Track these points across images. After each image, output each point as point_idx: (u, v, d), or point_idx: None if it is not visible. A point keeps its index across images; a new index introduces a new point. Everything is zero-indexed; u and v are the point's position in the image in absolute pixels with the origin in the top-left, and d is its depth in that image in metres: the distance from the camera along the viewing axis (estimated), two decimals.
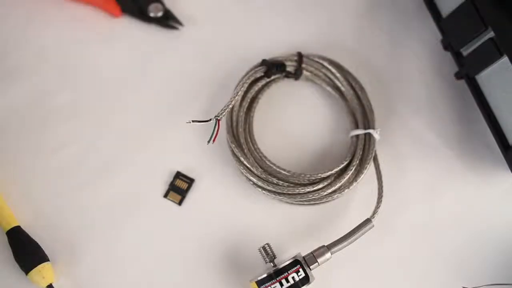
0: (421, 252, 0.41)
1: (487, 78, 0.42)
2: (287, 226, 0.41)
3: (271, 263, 0.37)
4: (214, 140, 0.36)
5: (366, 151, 0.42)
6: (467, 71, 0.43)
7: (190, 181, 0.41)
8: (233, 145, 0.41)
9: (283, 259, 0.38)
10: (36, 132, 0.42)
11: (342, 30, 0.48)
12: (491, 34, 0.39)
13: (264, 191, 0.40)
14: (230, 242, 0.40)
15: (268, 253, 0.37)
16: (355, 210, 0.42)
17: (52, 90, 0.44)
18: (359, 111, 0.44)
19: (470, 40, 0.42)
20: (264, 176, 0.40)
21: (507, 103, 0.40)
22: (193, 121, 0.35)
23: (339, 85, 0.44)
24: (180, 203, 0.41)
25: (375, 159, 0.42)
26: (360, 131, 0.42)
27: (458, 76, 0.45)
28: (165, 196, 0.41)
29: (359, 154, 0.42)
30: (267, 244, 0.38)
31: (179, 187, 0.41)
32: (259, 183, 0.40)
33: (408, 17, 0.49)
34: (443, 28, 0.46)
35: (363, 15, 0.49)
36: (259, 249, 0.38)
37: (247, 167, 0.40)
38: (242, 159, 0.40)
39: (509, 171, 0.41)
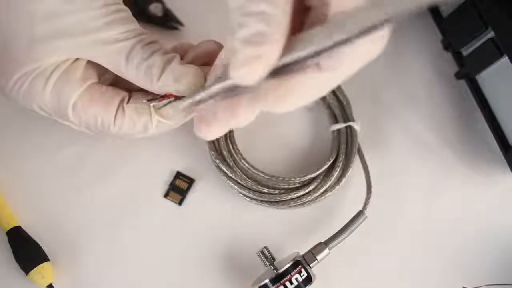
0: (421, 252, 0.41)
1: (487, 78, 0.42)
2: (283, 227, 0.41)
3: (271, 266, 0.37)
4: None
5: (350, 144, 0.42)
6: (467, 71, 0.43)
7: (190, 181, 0.41)
8: (218, 161, 0.40)
9: (282, 260, 0.38)
10: (36, 132, 0.42)
11: None
12: (491, 34, 0.39)
13: (257, 202, 0.40)
14: (230, 242, 0.40)
15: (267, 256, 0.37)
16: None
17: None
18: (335, 104, 0.43)
19: (470, 40, 0.42)
20: (254, 187, 0.40)
21: (507, 103, 0.40)
22: (148, 100, 0.34)
23: None
24: (180, 203, 0.41)
25: (359, 151, 0.42)
26: (340, 125, 0.42)
27: (458, 76, 0.45)
28: (165, 196, 0.41)
29: (343, 149, 0.42)
30: (265, 247, 0.38)
31: (179, 187, 0.41)
32: (250, 195, 0.40)
33: (408, 17, 0.49)
34: (443, 28, 0.46)
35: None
36: (257, 253, 0.37)
37: (235, 180, 0.40)
38: (228, 173, 0.40)
39: (509, 171, 0.41)
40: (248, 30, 0.25)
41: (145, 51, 0.32)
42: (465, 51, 0.43)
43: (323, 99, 0.44)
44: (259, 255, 0.37)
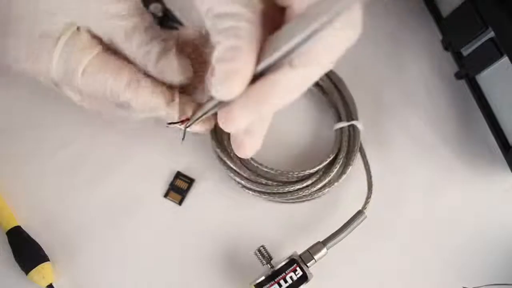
0: (421, 252, 0.41)
1: (487, 78, 0.42)
2: (283, 226, 0.41)
3: (268, 265, 0.37)
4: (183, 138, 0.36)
5: (352, 143, 0.42)
6: (467, 71, 0.43)
7: (190, 181, 0.41)
8: (218, 150, 0.40)
9: (280, 259, 0.38)
10: (36, 132, 0.42)
11: None
12: (491, 34, 0.39)
13: (254, 193, 0.40)
14: (230, 242, 0.40)
15: (264, 255, 0.37)
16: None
17: (55, 90, 0.43)
18: (340, 103, 0.44)
19: (470, 40, 0.42)
20: (253, 178, 0.40)
21: (507, 103, 0.40)
22: (168, 123, 0.35)
23: (320, 81, 0.44)
24: (180, 203, 0.41)
25: (362, 150, 0.42)
26: (343, 124, 0.43)
27: (458, 76, 0.45)
28: (165, 196, 0.41)
29: (345, 147, 0.42)
30: (262, 246, 0.38)
31: (179, 187, 0.41)
32: (248, 185, 0.40)
33: (408, 17, 0.49)
34: (443, 28, 0.46)
35: (362, 15, 0.49)
36: (254, 252, 0.38)
37: (234, 170, 0.40)
38: (228, 162, 0.40)
39: (509, 171, 0.41)
40: (221, 47, 0.26)
41: (147, 35, 0.32)
42: (465, 51, 0.43)
43: (328, 97, 0.44)
44: (256, 254, 0.37)
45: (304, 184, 0.40)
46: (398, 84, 0.47)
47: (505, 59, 0.38)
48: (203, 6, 0.27)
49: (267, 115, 0.32)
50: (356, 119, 0.43)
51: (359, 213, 0.39)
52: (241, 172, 0.40)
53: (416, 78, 0.47)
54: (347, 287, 0.40)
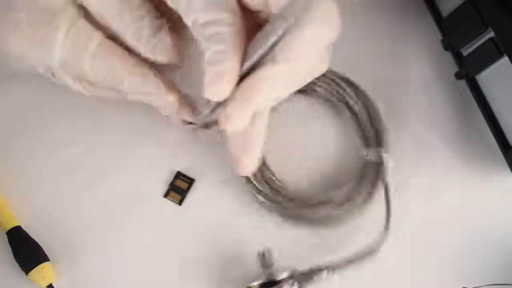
0: (421, 252, 0.41)
1: (487, 78, 0.42)
2: (284, 231, 0.41)
3: (267, 270, 0.37)
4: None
5: (376, 175, 0.41)
6: (467, 71, 0.43)
7: (190, 181, 0.41)
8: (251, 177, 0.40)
9: (280, 268, 0.37)
10: (37, 132, 0.42)
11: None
12: (491, 34, 0.39)
13: (271, 212, 0.40)
14: (230, 243, 0.40)
15: (265, 259, 0.37)
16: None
17: (55, 91, 0.43)
18: (372, 132, 0.42)
19: (470, 40, 0.42)
20: (271, 196, 0.40)
21: (507, 103, 0.40)
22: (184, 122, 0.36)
23: (351, 103, 0.43)
24: (180, 203, 0.41)
25: (386, 188, 0.40)
26: (371, 153, 0.41)
27: (458, 76, 0.45)
28: (165, 196, 0.41)
29: (370, 178, 0.41)
30: (266, 249, 0.37)
31: (179, 187, 0.41)
32: (267, 203, 0.40)
33: (408, 17, 0.49)
34: (443, 28, 0.46)
35: (362, 15, 0.49)
36: (258, 254, 0.37)
37: (256, 187, 0.40)
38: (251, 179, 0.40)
39: (509, 171, 0.41)
40: (209, 52, 0.28)
41: (140, 11, 0.32)
42: (465, 51, 0.43)
43: (359, 123, 0.43)
44: (259, 256, 0.37)
45: (323, 208, 0.39)
46: (398, 84, 0.47)
47: (505, 59, 0.38)
48: (189, 18, 0.29)
49: (260, 132, 0.33)
50: (386, 151, 0.41)
51: (372, 251, 0.38)
52: (262, 189, 0.40)
53: (416, 78, 0.47)
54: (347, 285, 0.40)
